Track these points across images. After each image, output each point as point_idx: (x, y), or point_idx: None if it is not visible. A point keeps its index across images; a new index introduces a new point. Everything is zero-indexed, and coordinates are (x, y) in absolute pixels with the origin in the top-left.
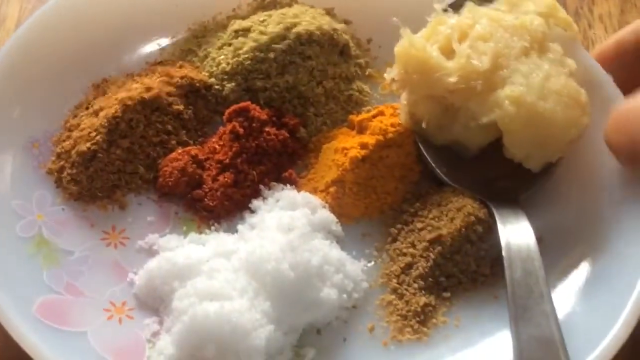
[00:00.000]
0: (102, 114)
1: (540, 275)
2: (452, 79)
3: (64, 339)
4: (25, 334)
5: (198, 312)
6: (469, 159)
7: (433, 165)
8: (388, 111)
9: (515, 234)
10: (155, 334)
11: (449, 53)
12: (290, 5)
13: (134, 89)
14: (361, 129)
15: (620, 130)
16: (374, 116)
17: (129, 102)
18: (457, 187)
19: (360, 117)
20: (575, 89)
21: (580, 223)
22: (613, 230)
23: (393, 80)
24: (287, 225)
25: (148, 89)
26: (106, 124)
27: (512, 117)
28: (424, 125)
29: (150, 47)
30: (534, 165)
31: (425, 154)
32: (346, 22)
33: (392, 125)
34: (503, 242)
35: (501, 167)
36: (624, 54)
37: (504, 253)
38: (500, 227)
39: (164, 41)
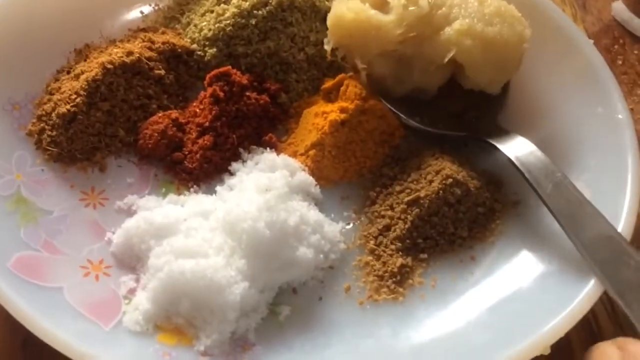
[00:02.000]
0: (82, 77)
1: (567, 182)
2: (399, 31)
3: (39, 293)
4: (1, 288)
5: (174, 268)
6: (431, 102)
7: (405, 117)
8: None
9: (519, 149)
10: (132, 291)
11: (380, 8)
12: None
13: (115, 53)
14: (329, 98)
15: None
16: (339, 85)
17: (110, 66)
18: (436, 130)
19: (326, 85)
20: (507, 6)
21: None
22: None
23: (334, 50)
24: (265, 186)
25: (129, 53)
26: (86, 87)
27: (470, 50)
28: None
29: (133, 14)
30: (496, 88)
31: (394, 110)
32: None
33: None
34: (515, 161)
35: (462, 100)
36: None
37: (525, 173)
38: (502, 148)
39: (147, 8)
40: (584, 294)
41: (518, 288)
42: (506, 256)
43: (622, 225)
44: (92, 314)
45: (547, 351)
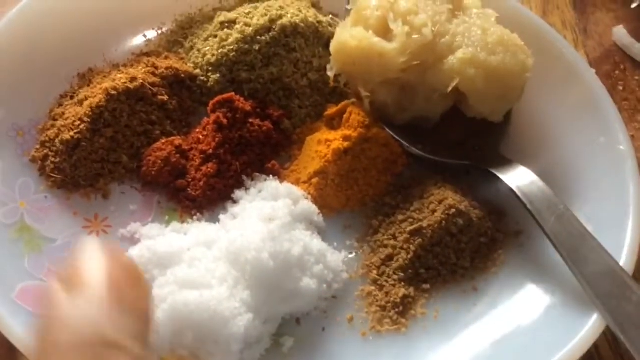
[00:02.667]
0: (86, 103)
1: (569, 215)
2: (402, 59)
3: None
4: (5, 319)
5: (177, 299)
6: (433, 130)
7: (407, 145)
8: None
9: (521, 179)
10: None
11: (383, 35)
12: None
13: (119, 79)
14: (332, 125)
15: None
16: (342, 112)
17: (113, 92)
18: (438, 159)
19: (329, 112)
20: (510, 35)
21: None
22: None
23: (337, 77)
24: (269, 216)
25: (133, 79)
26: (90, 113)
27: (473, 79)
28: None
29: (137, 38)
30: (498, 117)
31: (397, 137)
32: (332, 14)
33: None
34: (518, 192)
35: (464, 128)
36: None
37: (527, 205)
38: (504, 178)
39: (151, 32)
40: (587, 329)
41: (521, 322)
42: (508, 288)
43: (624, 259)
44: None
45: None
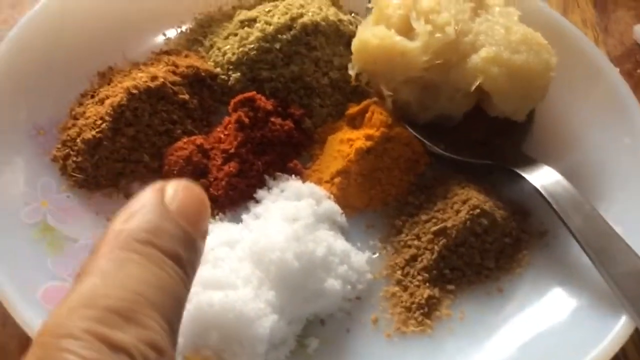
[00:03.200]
0: (107, 102)
1: (595, 214)
2: (425, 58)
3: None
4: (30, 320)
5: (202, 300)
6: (455, 129)
7: (430, 144)
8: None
9: (546, 178)
10: None
11: (405, 34)
12: None
13: (140, 78)
14: (353, 124)
15: None
16: (364, 111)
17: (135, 91)
18: (461, 158)
19: (350, 111)
20: (534, 34)
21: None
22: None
23: (358, 75)
24: (292, 216)
25: (154, 78)
26: (112, 112)
27: (497, 78)
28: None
29: (156, 37)
30: (521, 116)
31: (419, 136)
32: (352, 13)
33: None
34: (543, 192)
35: (486, 128)
36: None
37: (553, 205)
38: (528, 177)
39: (170, 31)
40: (616, 331)
41: (548, 324)
42: (534, 289)
43: None
44: None
45: None
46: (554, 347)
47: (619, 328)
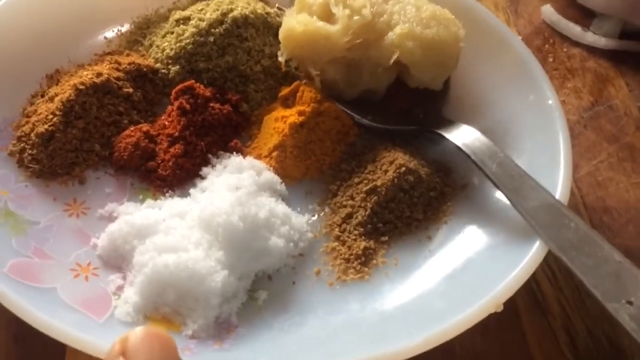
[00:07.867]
0: (57, 98)
1: (508, 161)
2: (346, 39)
3: (35, 292)
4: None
5: (158, 263)
6: (381, 102)
7: (358, 117)
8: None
9: (465, 136)
10: (120, 288)
11: (327, 19)
12: None
13: (85, 75)
14: (287, 104)
15: None
16: (295, 91)
17: (82, 87)
18: (388, 127)
19: (283, 92)
20: (442, 10)
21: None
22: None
23: (288, 62)
24: (235, 185)
25: (99, 75)
26: (61, 107)
27: (412, 51)
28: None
29: (97, 40)
30: (438, 84)
31: (348, 111)
32: (278, 7)
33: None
34: (462, 147)
35: (409, 98)
36: None
37: (471, 156)
38: (449, 137)
39: (110, 34)
40: (530, 255)
41: (471, 258)
42: (458, 233)
43: (559, 195)
44: (86, 309)
45: (500, 308)
46: (478, 275)
47: (532, 252)
